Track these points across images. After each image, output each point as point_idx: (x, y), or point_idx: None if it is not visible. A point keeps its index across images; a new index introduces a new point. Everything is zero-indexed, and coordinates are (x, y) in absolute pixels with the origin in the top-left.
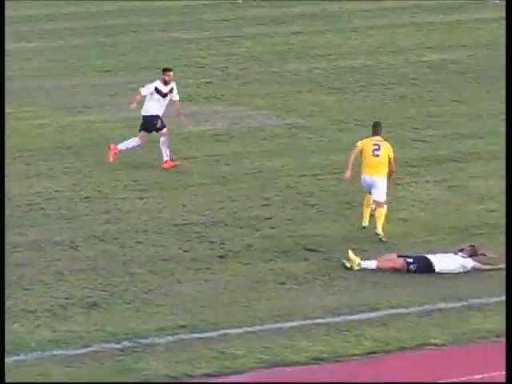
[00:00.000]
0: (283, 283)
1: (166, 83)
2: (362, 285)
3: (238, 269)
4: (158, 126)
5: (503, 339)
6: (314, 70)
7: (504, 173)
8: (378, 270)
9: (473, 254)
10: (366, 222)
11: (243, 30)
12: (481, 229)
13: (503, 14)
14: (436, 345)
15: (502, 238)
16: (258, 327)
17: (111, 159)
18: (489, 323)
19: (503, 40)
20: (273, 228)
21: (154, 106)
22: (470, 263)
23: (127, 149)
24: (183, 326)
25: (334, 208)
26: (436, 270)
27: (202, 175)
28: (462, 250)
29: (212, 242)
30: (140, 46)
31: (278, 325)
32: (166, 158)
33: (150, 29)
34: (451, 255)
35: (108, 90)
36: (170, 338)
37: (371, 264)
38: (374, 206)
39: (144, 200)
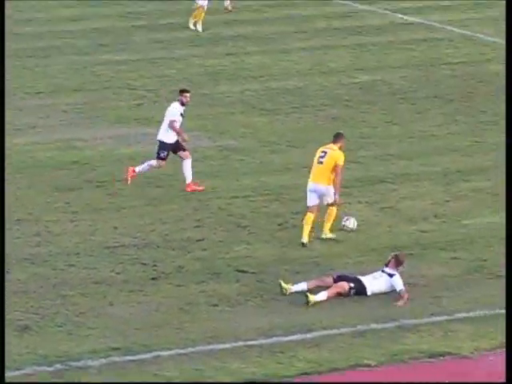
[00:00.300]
0: (215, 305)
1: (183, 104)
2: (294, 306)
3: (170, 290)
4: (163, 155)
5: (436, 360)
6: (245, 91)
7: (436, 194)
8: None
9: (399, 264)
10: (305, 239)
11: (175, 51)
12: (412, 249)
13: (435, 35)
14: (369, 365)
15: (434, 258)
16: (190, 349)
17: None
18: (421, 344)
19: (435, 60)
20: (204, 250)
21: (171, 133)
22: (398, 281)
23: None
24: (116, 349)
25: (266, 229)
26: (368, 294)
27: (134, 197)
28: (388, 264)
29: (144, 264)
30: (71, 68)
31: (210, 347)
32: (137, 169)
33: (81, 50)
34: (380, 276)
35: (39, 112)
36: (103, 361)
37: (322, 296)
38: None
39: (75, 222)
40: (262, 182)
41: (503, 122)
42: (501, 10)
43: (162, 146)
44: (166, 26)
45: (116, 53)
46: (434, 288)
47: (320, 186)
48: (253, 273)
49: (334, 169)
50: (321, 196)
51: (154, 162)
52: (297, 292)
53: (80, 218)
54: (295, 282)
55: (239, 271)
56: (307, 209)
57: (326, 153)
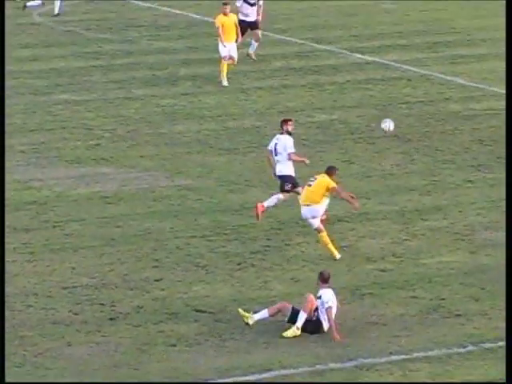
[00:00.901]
0: (173, 345)
1: (290, 134)
2: (253, 346)
3: (129, 331)
4: (287, 188)
5: None
6: (203, 130)
7: (394, 233)
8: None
9: (324, 282)
10: (337, 254)
11: (132, 91)
12: (371, 289)
13: (392, 75)
14: None
15: (392, 297)
16: None
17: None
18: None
19: (392, 100)
20: (163, 290)
21: (290, 165)
22: (325, 297)
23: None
24: None
25: (224, 269)
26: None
27: (92, 237)
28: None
29: (102, 305)
30: (28, 108)
31: None
32: (266, 204)
33: (38, 90)
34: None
35: None
36: None
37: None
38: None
39: (33, 263)
40: (220, 222)
41: (460, 161)
42: (458, 50)
43: (286, 179)
44: (122, 66)
45: (73, 93)
46: (393, 327)
47: (308, 207)
48: (211, 313)
49: (333, 192)
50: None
51: (281, 196)
52: (259, 320)
53: (38, 259)
54: (255, 311)
55: (197, 311)
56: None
57: (315, 178)
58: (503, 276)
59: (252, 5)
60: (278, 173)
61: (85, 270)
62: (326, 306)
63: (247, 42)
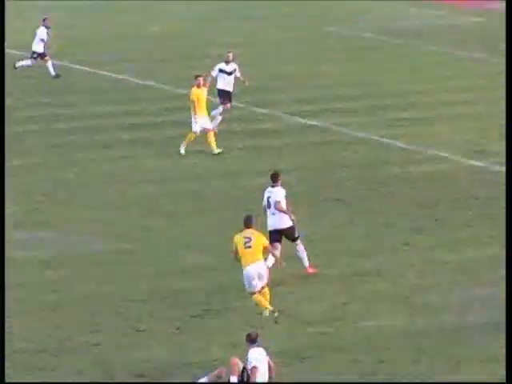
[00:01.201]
0: None
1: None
2: None
3: None
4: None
5: None
6: (142, 194)
7: (334, 296)
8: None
9: (252, 342)
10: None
11: (70, 155)
12: (311, 351)
13: (333, 138)
14: None
15: (333, 361)
16: None
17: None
18: None
19: (333, 163)
20: (102, 354)
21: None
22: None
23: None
24: None
25: (164, 333)
26: None
27: (30, 302)
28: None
29: (41, 370)
30: None
31: None
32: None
33: None
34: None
35: None
36: None
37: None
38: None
39: None
40: (160, 286)
41: (400, 224)
42: (397, 113)
43: (290, 230)
44: (62, 130)
45: (12, 157)
46: None
47: (258, 264)
48: (151, 377)
49: (265, 249)
50: (260, 276)
51: (277, 255)
52: None
53: None
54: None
55: (137, 375)
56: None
57: (250, 238)
58: (443, 338)
59: (229, 74)
60: (276, 226)
61: (23, 334)
62: (250, 366)
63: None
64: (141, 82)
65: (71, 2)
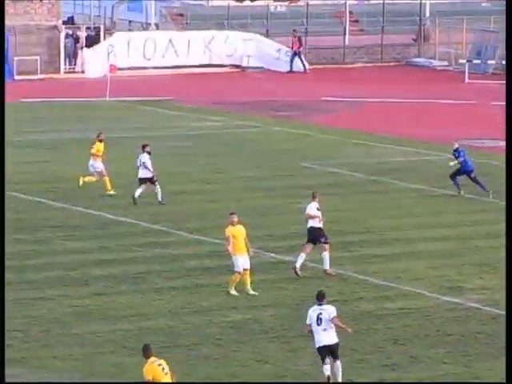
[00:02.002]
0: None
1: None
2: None
3: None
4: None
5: None
6: (116, 331)
7: None
8: None
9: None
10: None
11: (44, 291)
12: None
13: (306, 274)
14: None
15: None
16: None
17: None
18: None
19: (306, 299)
20: None
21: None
22: None
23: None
24: None
25: None
26: None
27: None
28: None
29: None
30: None
31: None
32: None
33: None
34: None
35: None
36: None
37: None
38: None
39: None
40: None
41: (373, 360)
42: (371, 250)
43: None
44: (35, 266)
45: None
46: None
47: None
48: None
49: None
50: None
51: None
52: None
53: None
54: None
55: None
56: None
57: None
58: None
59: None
60: (326, 343)
61: None
62: None
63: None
64: (119, 218)
65: (51, 138)
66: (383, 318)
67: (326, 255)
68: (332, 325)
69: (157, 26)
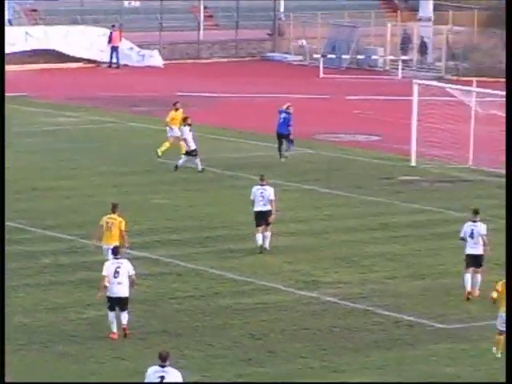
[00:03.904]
0: None
1: None
2: None
3: None
4: None
5: None
6: None
7: None
8: None
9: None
10: None
11: None
12: None
13: (162, 270)
14: None
15: None
16: None
17: None
18: None
19: (162, 295)
20: None
21: None
22: None
23: None
24: None
25: None
26: None
27: None
28: None
29: None
30: None
31: None
32: None
33: None
34: None
35: None
36: None
37: None
38: None
39: None
40: None
41: (231, 355)
42: (228, 245)
43: None
44: None
45: None
46: None
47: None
48: None
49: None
50: None
51: None
52: None
53: None
54: None
55: None
56: None
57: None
58: None
59: None
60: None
61: None
62: None
63: None
64: None
65: None
66: (240, 313)
67: (268, 235)
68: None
69: (10, 22)
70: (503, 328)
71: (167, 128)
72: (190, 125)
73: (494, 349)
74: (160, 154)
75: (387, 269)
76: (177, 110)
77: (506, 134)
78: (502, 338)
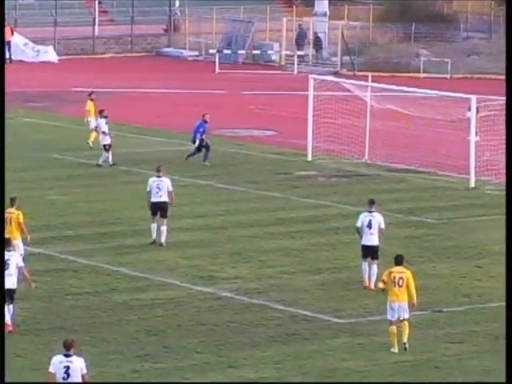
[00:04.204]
0: None
1: None
2: None
3: None
4: None
5: None
6: None
7: None
8: None
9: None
10: None
11: None
12: None
13: (58, 266)
14: None
15: None
16: None
17: None
18: None
19: (58, 291)
20: None
21: None
22: None
23: None
24: None
25: None
26: None
27: None
28: None
29: None
30: None
31: None
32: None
33: None
34: None
35: None
36: None
37: None
38: None
39: None
40: None
41: (127, 351)
42: (124, 241)
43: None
44: None
45: None
46: None
47: None
48: None
49: None
50: None
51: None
52: None
53: None
54: None
55: None
56: None
57: None
58: None
59: None
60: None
61: None
62: None
63: None
64: None
65: None
66: (136, 308)
67: (164, 229)
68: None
69: None
70: (393, 319)
71: (86, 119)
72: (106, 117)
73: (392, 349)
74: (91, 144)
75: (284, 264)
76: (92, 100)
77: (506, 133)
78: (394, 328)
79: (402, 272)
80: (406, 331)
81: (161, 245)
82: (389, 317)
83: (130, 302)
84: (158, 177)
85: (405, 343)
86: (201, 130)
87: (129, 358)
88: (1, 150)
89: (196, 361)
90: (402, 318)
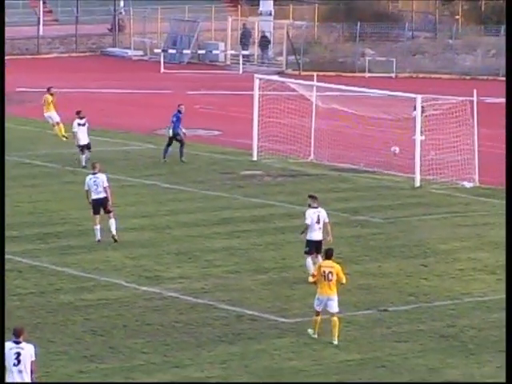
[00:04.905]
0: None
1: None
2: None
3: None
4: None
5: None
6: None
7: None
8: None
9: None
10: None
11: None
12: None
13: None
14: None
15: None
16: None
17: None
18: None
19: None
20: None
21: None
22: None
23: None
24: None
25: None
26: None
27: None
28: None
29: None
30: None
31: None
32: None
33: None
34: None
35: None
36: None
37: None
38: None
39: None
40: None
41: (73, 352)
42: (69, 241)
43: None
44: None
45: None
46: None
47: None
48: None
49: None
50: None
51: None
52: None
53: None
54: None
55: None
56: None
57: None
58: None
59: None
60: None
61: None
62: None
63: None
64: None
65: None
66: (81, 309)
67: (113, 221)
68: None
69: None
70: (319, 309)
71: (46, 114)
72: (82, 118)
73: (311, 330)
74: (66, 136)
75: (229, 263)
76: (51, 94)
77: (506, 133)
78: (319, 318)
79: (331, 266)
80: (337, 328)
81: (113, 237)
82: (316, 307)
83: (76, 303)
84: (94, 174)
85: (336, 344)
86: (177, 122)
87: (74, 359)
88: (1, 150)
89: (142, 361)
90: (332, 312)
